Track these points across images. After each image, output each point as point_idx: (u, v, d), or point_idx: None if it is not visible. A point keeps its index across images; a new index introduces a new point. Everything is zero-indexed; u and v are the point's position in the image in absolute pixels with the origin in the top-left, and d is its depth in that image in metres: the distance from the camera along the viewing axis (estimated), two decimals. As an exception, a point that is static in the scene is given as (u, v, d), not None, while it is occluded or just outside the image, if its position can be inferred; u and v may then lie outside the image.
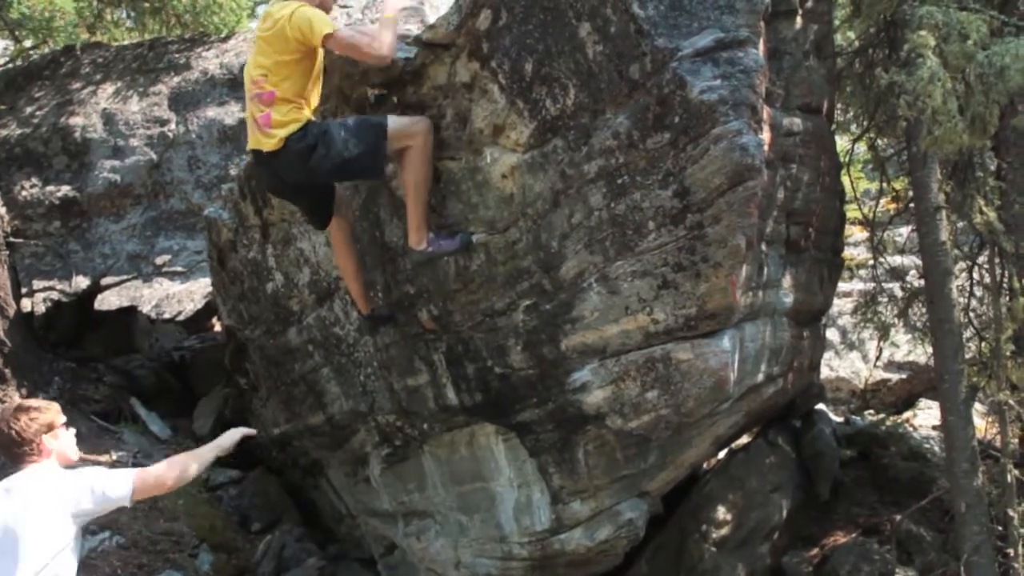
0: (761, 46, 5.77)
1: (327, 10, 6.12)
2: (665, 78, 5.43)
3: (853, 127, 10.83)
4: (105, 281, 12.36)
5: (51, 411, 4.56)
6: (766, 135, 5.90)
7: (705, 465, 9.54)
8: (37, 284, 12.23)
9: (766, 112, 5.96)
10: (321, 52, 6.09)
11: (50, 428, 4.48)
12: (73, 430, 4.81)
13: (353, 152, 6.06)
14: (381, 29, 5.84)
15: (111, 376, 12.79)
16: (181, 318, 12.36)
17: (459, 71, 6.29)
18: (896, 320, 10.55)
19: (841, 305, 13.02)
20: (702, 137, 5.38)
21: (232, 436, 5.14)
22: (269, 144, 6.04)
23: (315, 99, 6.29)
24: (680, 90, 5.38)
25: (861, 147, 11.02)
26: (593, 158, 5.78)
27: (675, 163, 5.50)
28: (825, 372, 12.64)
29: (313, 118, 6.15)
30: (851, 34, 10.70)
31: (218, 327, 13.77)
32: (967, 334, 8.98)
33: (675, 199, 5.56)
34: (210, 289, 11.02)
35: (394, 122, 6.24)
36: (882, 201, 11.33)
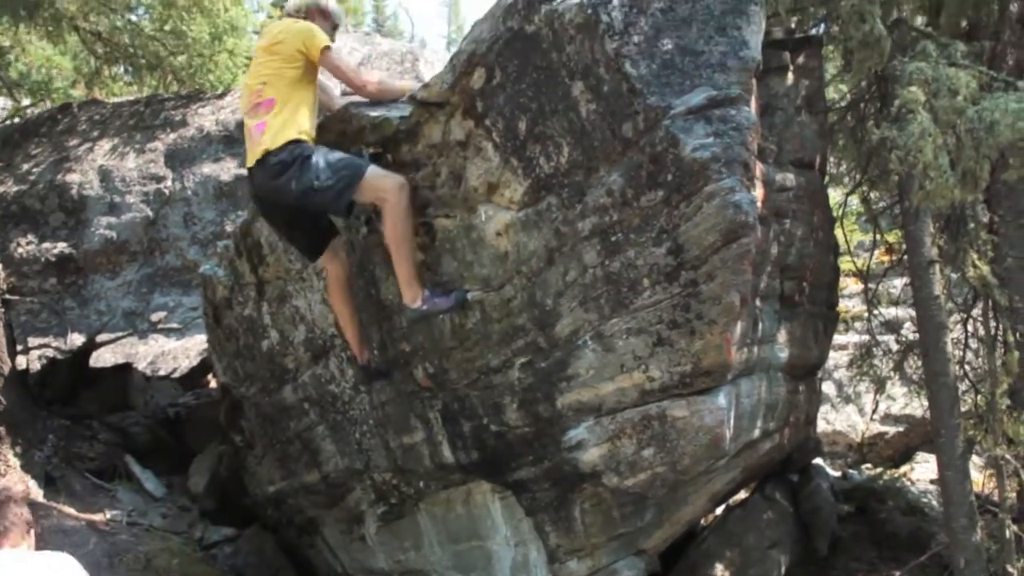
0: (753, 103, 5.81)
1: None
2: (658, 136, 5.46)
3: (846, 180, 10.90)
4: (100, 338, 12.30)
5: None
6: (759, 191, 5.94)
7: (702, 522, 9.50)
8: (32, 341, 12.18)
9: (759, 168, 6.01)
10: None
11: None
12: None
13: (323, 184, 6.12)
14: (376, 71, 5.99)
15: (106, 433, 12.71)
16: (176, 375, 12.29)
17: (453, 129, 6.33)
18: (892, 373, 10.55)
19: (837, 358, 13.01)
20: (695, 195, 5.41)
21: None
22: (254, 156, 6.21)
23: (310, 122, 6.42)
24: (673, 148, 5.41)
25: (854, 200, 11.08)
26: (587, 216, 5.81)
27: (669, 220, 5.53)
28: (822, 426, 12.61)
29: (304, 139, 6.25)
30: (843, 87, 10.79)
31: (213, 384, 13.72)
32: (963, 387, 8.97)
33: (669, 256, 5.58)
34: (206, 346, 10.97)
35: (372, 172, 6.32)
36: (876, 253, 11.35)
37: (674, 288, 5.64)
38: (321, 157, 6.19)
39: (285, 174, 6.10)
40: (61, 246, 12.47)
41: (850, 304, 14.99)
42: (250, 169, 6.38)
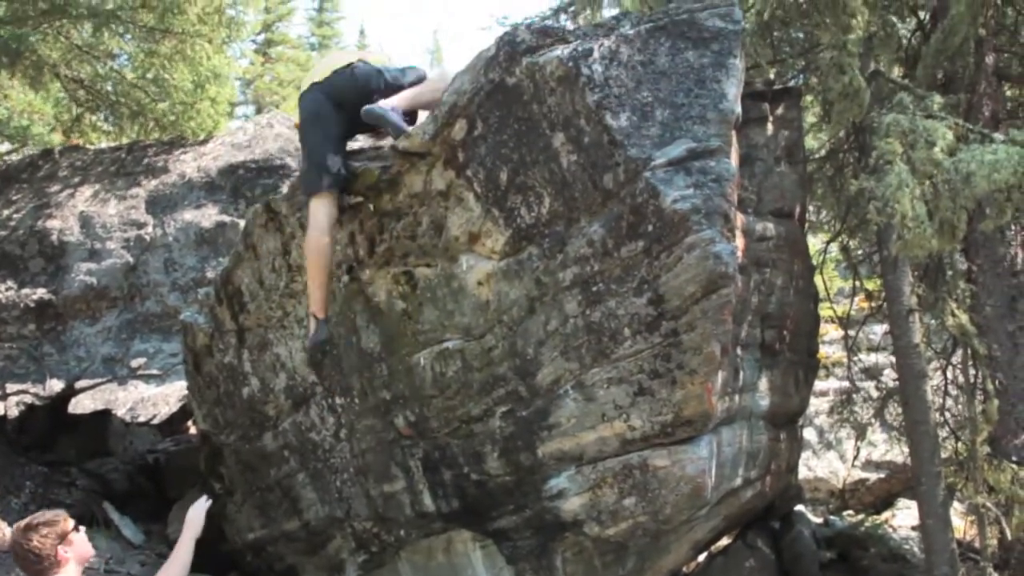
0: (733, 154, 5.86)
1: None
2: (638, 187, 5.50)
3: (826, 227, 10.99)
4: (79, 384, 12.23)
5: (59, 522, 4.66)
6: (739, 242, 5.97)
7: (684, 569, 9.45)
8: (10, 387, 12.10)
9: (739, 218, 6.04)
10: None
11: (63, 538, 4.57)
12: (83, 529, 4.88)
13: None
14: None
15: (84, 480, 12.63)
16: (156, 421, 12.22)
17: (435, 179, 6.36)
18: (872, 420, 10.60)
19: (817, 404, 13.05)
20: (676, 245, 5.44)
21: (197, 514, 5.27)
22: None
23: None
24: (653, 199, 5.45)
25: (834, 247, 11.16)
26: (568, 266, 5.83)
27: (649, 271, 5.55)
28: (803, 472, 12.61)
29: None
30: (823, 135, 10.90)
31: (193, 430, 13.64)
32: (943, 434, 9.02)
33: (650, 307, 5.60)
34: (186, 392, 10.92)
35: (317, 206, 6.65)
36: (856, 299, 11.42)
37: (655, 338, 5.66)
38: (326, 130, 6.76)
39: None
40: (40, 292, 12.42)
41: (830, 350, 15.03)
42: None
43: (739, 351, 6.71)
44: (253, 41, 30.29)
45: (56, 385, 12.13)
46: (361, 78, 6.72)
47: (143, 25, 13.46)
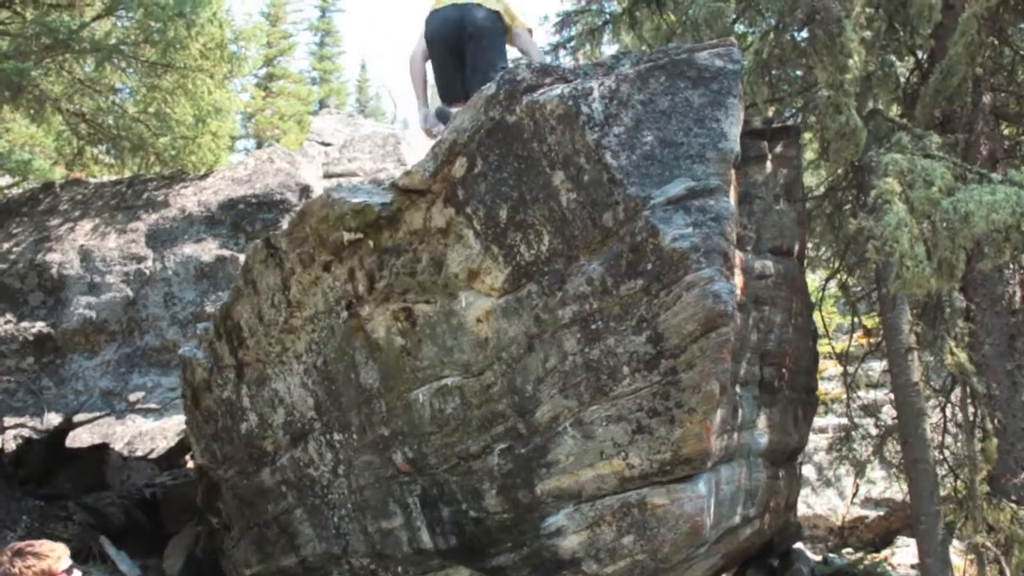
0: (732, 193, 5.88)
1: None
2: (638, 226, 5.52)
3: (825, 263, 11.00)
4: (77, 418, 12.22)
5: (49, 557, 4.55)
6: (738, 280, 5.98)
7: (683, 607, 9.41)
8: (8, 420, 12.08)
9: (738, 257, 6.05)
10: None
11: (47, 574, 4.46)
12: (79, 573, 4.77)
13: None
14: None
15: (81, 514, 12.58)
16: (154, 456, 12.19)
17: (435, 217, 6.37)
18: (871, 457, 10.58)
19: (816, 441, 13.04)
20: (675, 284, 5.45)
21: None
22: None
23: None
24: (653, 238, 5.46)
25: (833, 283, 11.17)
26: (567, 303, 5.83)
27: (648, 309, 5.56)
28: (802, 509, 12.58)
29: None
30: (822, 171, 10.94)
31: (191, 464, 13.61)
32: (942, 472, 9.00)
33: (649, 345, 5.60)
34: (184, 426, 10.92)
35: None
36: (854, 336, 11.42)
37: (654, 376, 5.65)
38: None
39: None
40: (39, 325, 12.43)
41: (829, 387, 15.04)
42: None
43: (738, 389, 6.71)
44: (254, 75, 30.35)
45: (54, 419, 12.13)
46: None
47: (145, 60, 13.51)
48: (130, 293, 12.54)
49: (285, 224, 9.19)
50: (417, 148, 16.69)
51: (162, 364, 12.56)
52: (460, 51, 7.43)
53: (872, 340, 11.12)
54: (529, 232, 5.93)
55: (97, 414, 12.31)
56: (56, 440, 12.36)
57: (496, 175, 6.00)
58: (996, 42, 9.20)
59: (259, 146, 28.20)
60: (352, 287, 7.02)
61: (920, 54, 9.41)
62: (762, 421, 7.22)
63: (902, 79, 9.09)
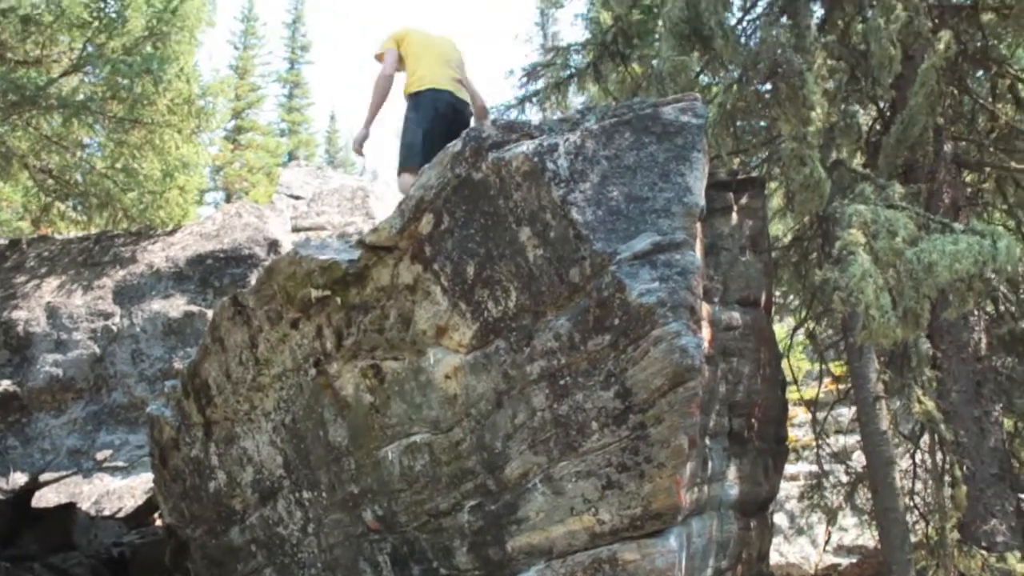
0: (698, 246, 5.90)
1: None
2: (604, 281, 5.53)
3: (792, 309, 11.05)
4: (44, 477, 12.11)
5: None
6: (706, 332, 6.00)
7: (657, 661, 9.33)
8: (-27, 481, 11.96)
9: (705, 309, 6.08)
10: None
11: None
12: None
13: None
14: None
15: (47, 575, 12.42)
16: (121, 515, 12.08)
17: (402, 273, 6.37)
18: (843, 504, 10.59)
19: (788, 489, 13.04)
20: (642, 339, 5.45)
21: None
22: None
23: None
24: (619, 293, 5.47)
25: (802, 331, 11.22)
26: (535, 359, 5.83)
27: (616, 364, 5.56)
28: (775, 558, 12.55)
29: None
30: (788, 219, 11.02)
31: (159, 522, 13.48)
32: (913, 519, 9.02)
33: (617, 400, 5.59)
34: (152, 484, 10.82)
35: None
36: (823, 382, 11.46)
37: (623, 431, 5.64)
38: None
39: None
40: (5, 383, 12.34)
41: (799, 433, 15.07)
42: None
43: (707, 441, 6.72)
44: (223, 128, 30.42)
45: (20, 478, 12.00)
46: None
47: (113, 115, 13.53)
48: (97, 350, 12.47)
49: (254, 279, 9.18)
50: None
51: (130, 421, 12.48)
52: (451, 137, 7.58)
53: (841, 387, 11.14)
54: (496, 288, 5.93)
55: (64, 473, 12.20)
56: (22, 500, 12.23)
57: (463, 232, 6.01)
58: (956, 91, 9.34)
59: (228, 199, 28.22)
60: (320, 344, 7.00)
61: (882, 104, 9.52)
62: (732, 472, 7.21)
63: (864, 129, 9.20)
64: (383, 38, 8.50)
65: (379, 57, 8.35)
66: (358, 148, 8.48)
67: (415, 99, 8.11)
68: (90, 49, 13.54)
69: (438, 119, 8.04)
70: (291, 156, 37.18)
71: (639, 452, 5.64)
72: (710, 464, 6.76)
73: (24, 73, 13.14)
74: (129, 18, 13.75)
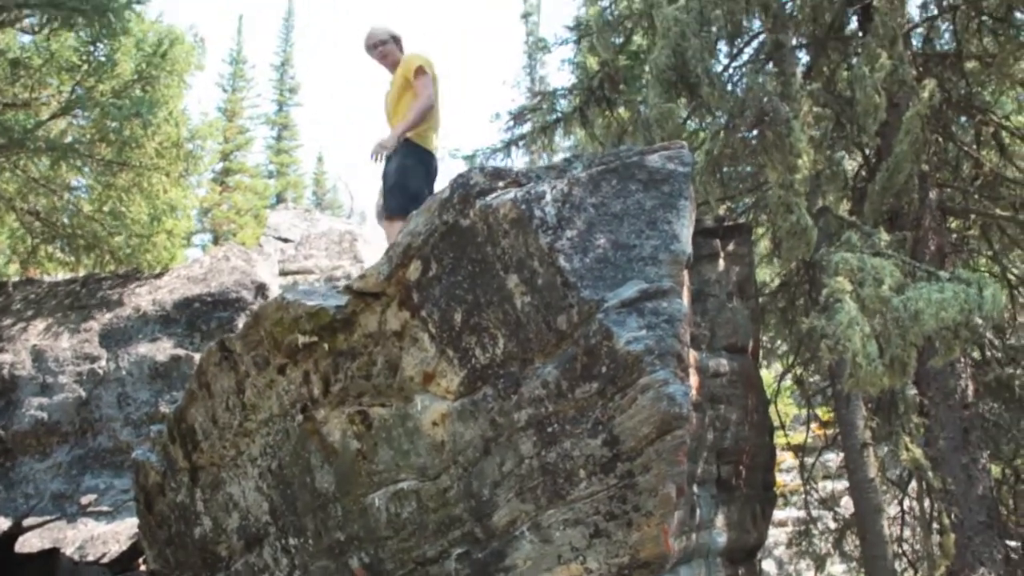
0: (685, 293, 5.91)
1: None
2: (592, 329, 5.53)
3: (780, 354, 11.07)
4: (27, 522, 12.01)
5: None
6: (693, 380, 6.00)
7: None
8: (-45, 526, 11.87)
9: (692, 356, 6.08)
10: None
11: None
12: None
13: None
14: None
15: (30, 622, 12.31)
16: (106, 560, 11.98)
17: (389, 320, 6.37)
18: (831, 551, 10.57)
19: (776, 535, 13.01)
20: (629, 387, 5.45)
21: None
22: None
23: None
24: (607, 340, 5.48)
25: (789, 377, 11.23)
26: (523, 406, 5.82)
27: (604, 412, 5.55)
28: (763, 605, 12.50)
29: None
30: (775, 265, 11.06)
31: (144, 568, 13.37)
32: (901, 565, 9.00)
33: (605, 448, 5.58)
34: (137, 528, 10.74)
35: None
36: (811, 427, 11.47)
37: (610, 479, 5.63)
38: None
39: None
40: (-10, 427, 12.26)
41: (787, 478, 15.05)
42: None
43: (695, 488, 6.70)
44: (211, 170, 30.42)
45: (3, 523, 11.93)
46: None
47: (101, 158, 13.56)
48: (83, 393, 12.42)
49: (241, 323, 9.16)
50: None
51: (115, 465, 12.40)
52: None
53: (828, 432, 11.16)
54: (484, 335, 5.93)
55: (48, 518, 12.12)
56: (4, 545, 12.12)
57: (450, 278, 6.02)
58: (940, 139, 9.42)
59: (216, 241, 28.18)
60: (307, 390, 6.98)
61: (867, 151, 9.58)
62: (720, 520, 7.19)
63: (850, 176, 9.26)
64: (421, 53, 8.22)
65: (420, 69, 8.06)
66: (378, 156, 8.12)
67: (420, 154, 8.05)
68: (79, 92, 13.59)
69: (430, 183, 8.09)
70: (279, 198, 37.21)
71: (627, 500, 5.62)
72: (698, 512, 6.74)
73: (12, 116, 13.17)
74: (118, 62, 13.82)
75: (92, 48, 13.85)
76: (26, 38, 14.17)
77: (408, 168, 7.90)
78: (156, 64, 13.97)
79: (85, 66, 13.74)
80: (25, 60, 13.60)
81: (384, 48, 8.35)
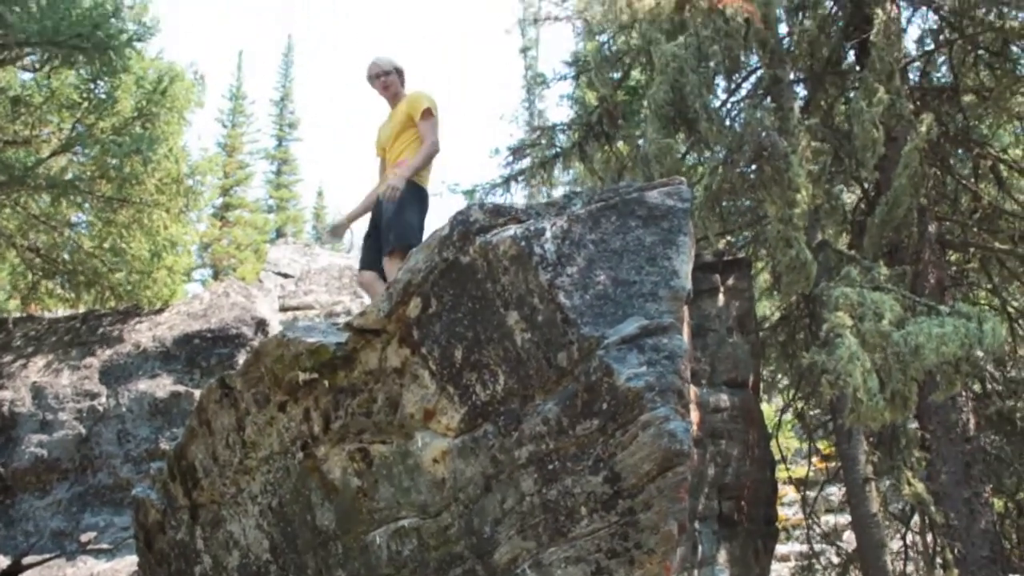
0: (685, 329, 5.92)
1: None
2: (592, 365, 5.53)
3: (780, 388, 11.06)
4: (27, 560, 11.95)
5: None
6: (694, 415, 6.00)
7: None
8: (-47, 565, 11.83)
9: (692, 392, 6.08)
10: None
11: None
12: None
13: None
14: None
15: (28, 661, 12.23)
16: (105, 598, 11.93)
17: (390, 356, 6.37)
18: (835, 587, 10.52)
19: (778, 570, 12.91)
20: (630, 423, 5.44)
21: None
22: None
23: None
24: (607, 377, 5.47)
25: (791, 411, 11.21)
26: (524, 444, 5.80)
27: (605, 449, 5.54)
28: (767, 640, 12.41)
29: None
30: (775, 299, 11.06)
31: (144, 605, 13.30)
32: (905, 601, 8.95)
33: (606, 485, 5.56)
34: (137, 567, 10.70)
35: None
36: (812, 460, 11.44)
37: (612, 516, 5.61)
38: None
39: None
40: (-11, 464, 12.23)
41: (789, 512, 14.99)
42: None
43: (697, 524, 6.69)
44: (211, 205, 30.50)
45: (2, 561, 11.86)
46: None
47: (101, 195, 13.59)
48: (83, 430, 12.40)
49: (241, 359, 9.15)
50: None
51: (115, 503, 12.36)
52: None
53: (830, 465, 11.13)
54: (484, 372, 5.93)
55: (47, 556, 12.06)
56: (3, 584, 12.07)
57: (451, 315, 6.02)
58: (939, 172, 9.45)
59: (216, 275, 28.23)
60: (307, 427, 6.97)
61: (866, 184, 9.61)
62: (722, 556, 7.17)
63: (849, 209, 9.28)
64: (428, 93, 8.35)
65: (427, 112, 8.19)
66: (390, 198, 8.15)
67: (418, 191, 8.14)
68: (80, 129, 13.65)
69: (424, 218, 8.26)
70: (279, 232, 37.33)
71: (628, 538, 5.60)
72: (700, 548, 6.73)
73: (13, 153, 13.22)
74: (119, 99, 13.88)
75: (93, 85, 13.92)
76: (27, 76, 14.24)
77: (406, 204, 7.96)
78: (156, 101, 14.03)
79: (86, 103, 13.81)
80: (26, 98, 13.67)
81: (387, 79, 8.44)
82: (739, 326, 7.63)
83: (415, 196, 8.09)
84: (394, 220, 7.95)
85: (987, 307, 9.70)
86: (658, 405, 5.41)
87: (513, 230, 5.89)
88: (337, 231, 8.95)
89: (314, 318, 14.63)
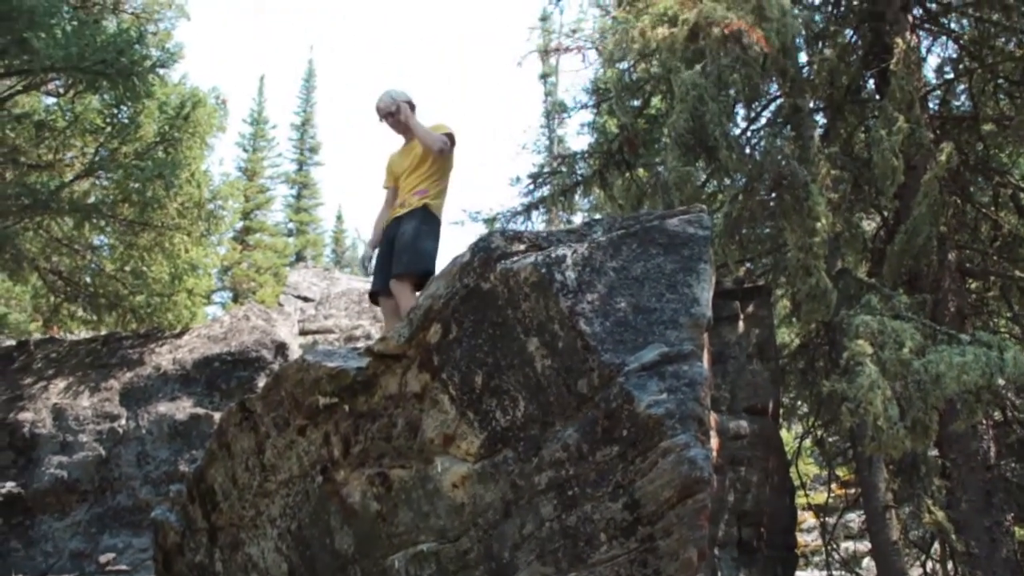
0: (705, 356, 5.92)
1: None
2: (612, 392, 5.54)
3: (800, 414, 11.04)
4: (46, 581, 12.01)
5: None
6: (714, 442, 5.98)
7: None
8: (-27, 586, 11.87)
9: (712, 418, 6.06)
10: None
11: None
12: None
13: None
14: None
15: None
16: (123, 621, 11.96)
17: (410, 382, 6.39)
18: (855, 616, 10.47)
19: (798, 597, 12.87)
20: (650, 451, 5.44)
21: None
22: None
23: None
24: (627, 404, 5.48)
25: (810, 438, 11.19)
26: (543, 469, 5.81)
27: (624, 476, 5.54)
28: (785, 668, 12.34)
29: None
30: (796, 326, 11.05)
31: (161, 628, 13.31)
32: (928, 630, 8.90)
33: (625, 511, 5.56)
34: (154, 590, 10.72)
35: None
36: (832, 487, 11.41)
37: (631, 543, 5.60)
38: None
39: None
40: (9, 485, 12.31)
41: (808, 538, 14.91)
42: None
43: (716, 551, 6.68)
44: (232, 229, 30.63)
45: (22, 583, 11.91)
46: None
47: (123, 218, 13.69)
48: (103, 452, 12.47)
49: (261, 382, 9.20)
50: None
51: (134, 524, 12.41)
52: None
53: (850, 492, 11.09)
54: (504, 398, 5.94)
55: (66, 576, 12.11)
56: (23, 605, 12.11)
57: (471, 341, 6.04)
58: (959, 200, 9.45)
59: (235, 299, 28.34)
60: (327, 451, 7.00)
61: (885, 212, 9.62)
62: (741, 583, 7.15)
63: (869, 237, 9.28)
64: (446, 123, 8.46)
65: (451, 136, 8.30)
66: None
67: (434, 221, 8.29)
68: (103, 154, 13.76)
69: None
70: (299, 256, 37.43)
71: (648, 564, 5.59)
72: (719, 575, 6.71)
73: (37, 177, 13.33)
74: (142, 124, 14.00)
75: (116, 111, 14.03)
76: (51, 100, 14.39)
77: (423, 232, 8.03)
78: (179, 126, 14.13)
79: (109, 128, 13.92)
80: (50, 122, 13.79)
81: (394, 119, 8.52)
82: (759, 353, 7.63)
83: (432, 225, 8.21)
84: (410, 245, 8.00)
85: (1007, 335, 9.67)
86: (678, 432, 5.42)
87: (534, 257, 5.92)
88: (369, 263, 9.00)
89: (334, 342, 14.68)
